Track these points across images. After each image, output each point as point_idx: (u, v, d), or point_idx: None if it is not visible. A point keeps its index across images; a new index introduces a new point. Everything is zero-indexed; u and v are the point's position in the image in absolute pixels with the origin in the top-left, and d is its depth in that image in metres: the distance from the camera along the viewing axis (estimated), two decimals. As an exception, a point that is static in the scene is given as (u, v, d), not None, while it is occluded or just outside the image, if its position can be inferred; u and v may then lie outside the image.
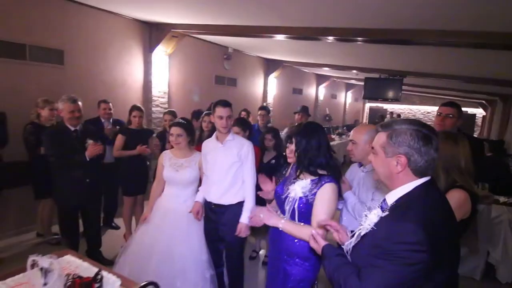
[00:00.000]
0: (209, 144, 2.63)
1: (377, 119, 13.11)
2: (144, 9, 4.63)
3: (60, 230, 3.09)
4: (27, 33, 3.92)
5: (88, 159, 2.96)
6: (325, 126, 10.08)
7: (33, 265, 1.41)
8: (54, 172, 3.05)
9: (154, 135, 4.14)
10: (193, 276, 2.40)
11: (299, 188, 1.79)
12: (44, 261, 1.39)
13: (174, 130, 2.64)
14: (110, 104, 4.18)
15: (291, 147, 1.87)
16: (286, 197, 1.84)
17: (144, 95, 5.55)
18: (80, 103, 3.05)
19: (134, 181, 3.87)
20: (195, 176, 2.73)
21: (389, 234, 1.09)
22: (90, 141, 3.00)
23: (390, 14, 3.81)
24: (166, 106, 5.80)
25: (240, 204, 2.53)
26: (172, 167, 2.70)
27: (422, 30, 4.29)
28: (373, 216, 1.23)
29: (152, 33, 5.43)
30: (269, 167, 3.42)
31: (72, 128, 3.04)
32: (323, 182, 1.76)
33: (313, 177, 1.81)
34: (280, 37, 5.24)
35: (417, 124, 1.18)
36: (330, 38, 4.95)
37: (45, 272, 1.39)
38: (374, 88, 8.13)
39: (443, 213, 1.17)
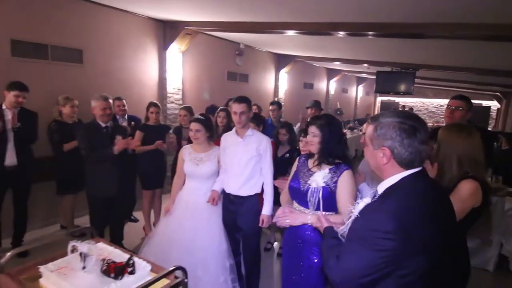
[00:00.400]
0: (228, 138, 2.74)
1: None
2: (158, 7, 4.74)
3: (90, 220, 3.27)
4: (49, 34, 4.07)
5: (116, 153, 3.14)
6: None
7: (73, 250, 1.54)
8: (85, 165, 3.26)
9: (171, 130, 4.26)
10: (213, 265, 2.51)
11: (320, 178, 1.88)
12: (83, 246, 1.51)
13: (193, 126, 2.74)
14: (124, 101, 4.31)
15: (314, 139, 1.95)
16: (307, 189, 1.92)
17: (159, 91, 5.68)
18: (111, 101, 3.26)
19: (152, 175, 4.01)
20: (214, 170, 2.83)
21: (365, 221, 1.18)
22: (119, 137, 3.18)
23: (403, 8, 3.82)
24: (180, 102, 5.92)
25: (257, 196, 2.65)
26: (192, 162, 2.81)
27: (436, 24, 4.29)
28: (362, 205, 1.31)
29: (166, 31, 5.54)
30: (284, 160, 3.51)
31: (103, 125, 3.24)
32: (342, 170, 1.88)
33: (330, 166, 1.92)
34: (291, 32, 5.29)
35: (401, 116, 1.21)
36: (342, 33, 4.98)
37: (84, 256, 1.52)
38: (386, 82, 8.10)
39: (429, 203, 1.18)
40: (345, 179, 1.86)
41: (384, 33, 4.83)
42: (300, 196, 1.99)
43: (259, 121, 3.67)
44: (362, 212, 1.26)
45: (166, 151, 4.23)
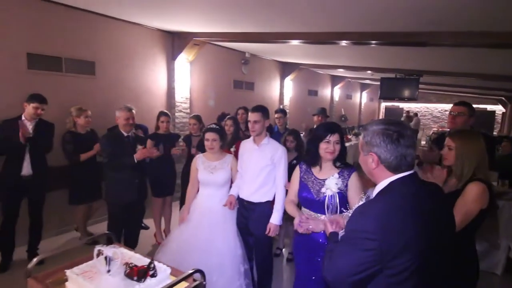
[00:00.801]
0: (246, 145, 2.85)
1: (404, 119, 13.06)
2: (167, 19, 4.88)
3: (108, 225, 3.37)
4: (62, 47, 4.22)
5: (136, 161, 3.27)
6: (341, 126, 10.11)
7: (98, 254, 1.63)
8: (106, 173, 3.40)
9: (181, 139, 4.36)
10: (229, 270, 2.57)
11: (333, 185, 1.96)
12: (109, 250, 1.60)
13: (210, 136, 2.80)
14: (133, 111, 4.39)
15: (336, 146, 2.05)
16: (323, 198, 2.00)
17: (168, 101, 5.80)
18: (134, 111, 3.41)
19: (163, 182, 4.10)
20: (228, 177, 2.91)
21: (352, 223, 1.26)
22: (140, 147, 3.33)
23: (407, 17, 3.91)
24: (188, 111, 6.04)
25: (269, 203, 2.71)
26: (207, 170, 2.88)
27: (439, 32, 4.37)
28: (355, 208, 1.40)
29: (175, 42, 5.68)
30: (291, 167, 3.58)
31: (125, 134, 3.38)
32: (350, 172, 2.00)
33: (337, 171, 2.03)
34: (297, 42, 5.41)
35: (385, 123, 1.29)
36: (347, 42, 5.08)
37: (109, 260, 1.60)
38: (390, 88, 8.18)
39: (415, 206, 1.22)
40: (354, 181, 1.99)
41: (388, 42, 4.92)
42: (315, 205, 2.06)
43: (267, 129, 3.76)
44: (351, 215, 1.33)
45: (176, 159, 4.33)
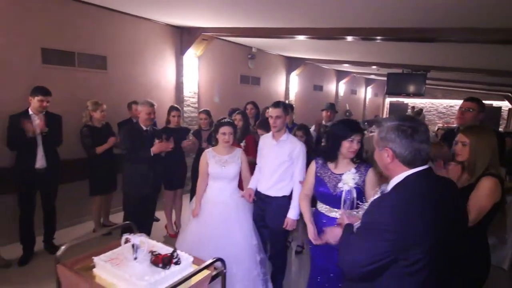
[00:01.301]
0: (266, 140, 2.91)
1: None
2: (177, 14, 4.92)
3: (124, 217, 3.46)
4: (75, 42, 4.28)
5: (152, 154, 3.36)
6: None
7: (126, 242, 1.70)
8: (124, 165, 3.49)
9: (191, 133, 4.42)
10: (247, 260, 2.64)
11: (350, 180, 2.01)
12: (136, 238, 1.67)
13: (227, 129, 2.83)
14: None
15: (358, 145, 2.09)
16: (340, 193, 2.05)
17: (177, 95, 5.87)
18: (155, 107, 3.51)
19: (174, 176, 4.18)
20: (238, 171, 2.95)
21: (369, 216, 1.32)
22: (157, 141, 3.42)
23: (416, 13, 3.93)
24: (196, 105, 6.11)
25: (285, 198, 2.77)
26: (218, 164, 2.91)
27: (448, 28, 4.39)
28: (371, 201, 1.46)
29: (184, 37, 5.73)
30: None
31: (145, 128, 3.47)
32: (367, 168, 2.06)
33: (354, 166, 2.07)
34: (304, 37, 5.43)
35: (399, 119, 1.34)
36: (354, 37, 5.10)
37: (136, 248, 1.68)
38: (397, 83, 8.17)
39: (429, 200, 1.26)
40: (371, 176, 2.05)
41: (396, 38, 4.94)
42: (331, 200, 2.10)
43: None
44: (368, 208, 1.39)
45: (186, 153, 4.40)
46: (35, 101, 3.36)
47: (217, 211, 2.85)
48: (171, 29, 5.60)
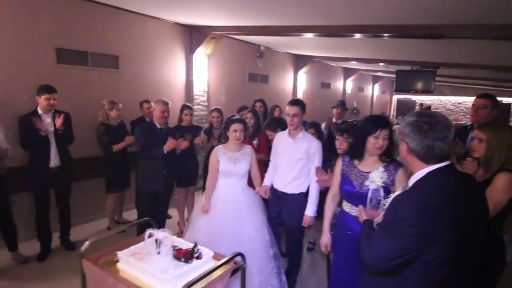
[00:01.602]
0: (281, 137, 2.94)
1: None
2: (187, 13, 4.96)
3: (139, 213, 3.53)
4: (88, 41, 4.35)
5: (164, 152, 3.42)
6: (353, 119, 10.12)
7: (149, 237, 1.75)
8: (138, 163, 3.56)
9: (202, 131, 4.47)
10: (262, 254, 2.68)
11: (377, 178, 1.96)
12: (159, 233, 1.72)
13: (238, 126, 2.86)
14: (152, 103, 4.52)
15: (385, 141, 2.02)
16: (366, 191, 2.00)
17: (187, 94, 5.92)
18: (170, 105, 3.58)
19: (186, 173, 4.23)
20: (248, 168, 2.98)
21: (392, 212, 1.35)
22: (170, 138, 3.46)
23: (426, 10, 3.92)
24: (206, 104, 6.15)
25: (302, 195, 2.80)
26: (230, 161, 2.93)
27: (457, 25, 4.37)
28: (392, 197, 1.48)
29: (193, 36, 5.77)
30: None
31: (159, 126, 3.53)
32: (397, 168, 1.98)
33: (383, 165, 2.01)
34: (311, 35, 5.43)
35: (417, 115, 1.38)
36: (365, 35, 5.09)
37: (159, 242, 1.73)
38: (406, 80, 8.14)
39: (450, 197, 1.29)
40: (400, 175, 1.96)
41: (405, 35, 4.92)
42: (357, 198, 2.04)
43: (280, 126, 3.77)
44: (390, 203, 1.41)
45: (197, 150, 4.44)
46: (42, 100, 3.36)
47: (229, 208, 2.86)
48: (181, 28, 5.65)
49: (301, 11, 4.46)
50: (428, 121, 1.34)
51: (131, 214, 4.69)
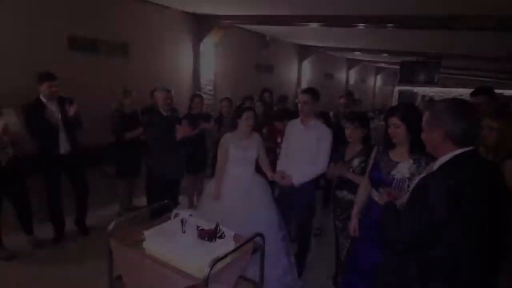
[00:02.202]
0: (293, 125, 3.02)
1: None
2: (195, 2, 4.98)
3: (149, 199, 3.60)
4: (99, 29, 4.38)
5: (178, 140, 3.48)
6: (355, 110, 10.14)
7: (175, 216, 1.84)
8: (148, 150, 3.63)
9: (213, 119, 4.53)
10: (272, 236, 2.76)
11: (405, 169, 1.98)
12: (184, 213, 1.81)
13: (250, 114, 2.92)
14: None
15: (397, 130, 2.00)
16: (392, 180, 2.01)
17: (194, 82, 5.97)
18: (172, 93, 3.62)
19: (196, 160, 4.30)
20: (256, 155, 3.04)
21: (417, 193, 1.41)
22: (178, 126, 3.50)
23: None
24: (212, 93, 6.20)
25: (312, 182, 2.88)
26: (239, 148, 2.99)
27: (466, 16, 4.40)
28: (417, 180, 1.54)
29: (201, 25, 5.79)
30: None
31: (164, 114, 3.57)
32: (427, 161, 1.91)
33: (414, 157, 1.98)
34: (317, 24, 5.44)
35: (452, 101, 1.43)
36: (367, 25, 5.10)
37: (185, 222, 1.81)
38: (410, 72, 8.16)
39: (474, 180, 1.34)
40: (431, 169, 1.89)
41: (412, 25, 4.95)
42: (383, 185, 2.04)
43: (287, 118, 3.82)
44: (416, 185, 1.48)
45: (208, 138, 4.51)
46: (44, 88, 3.26)
47: (239, 193, 2.92)
48: (189, 17, 5.66)
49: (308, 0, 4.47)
50: (463, 105, 1.40)
51: (140, 201, 4.77)
